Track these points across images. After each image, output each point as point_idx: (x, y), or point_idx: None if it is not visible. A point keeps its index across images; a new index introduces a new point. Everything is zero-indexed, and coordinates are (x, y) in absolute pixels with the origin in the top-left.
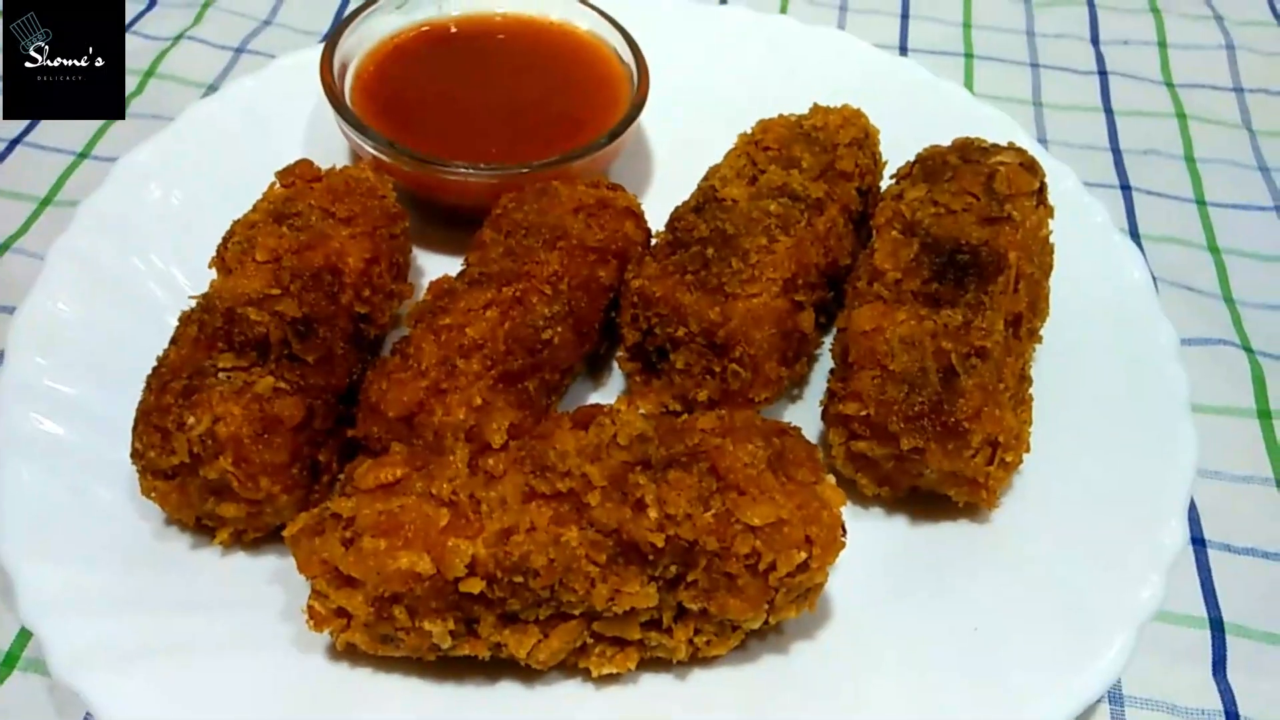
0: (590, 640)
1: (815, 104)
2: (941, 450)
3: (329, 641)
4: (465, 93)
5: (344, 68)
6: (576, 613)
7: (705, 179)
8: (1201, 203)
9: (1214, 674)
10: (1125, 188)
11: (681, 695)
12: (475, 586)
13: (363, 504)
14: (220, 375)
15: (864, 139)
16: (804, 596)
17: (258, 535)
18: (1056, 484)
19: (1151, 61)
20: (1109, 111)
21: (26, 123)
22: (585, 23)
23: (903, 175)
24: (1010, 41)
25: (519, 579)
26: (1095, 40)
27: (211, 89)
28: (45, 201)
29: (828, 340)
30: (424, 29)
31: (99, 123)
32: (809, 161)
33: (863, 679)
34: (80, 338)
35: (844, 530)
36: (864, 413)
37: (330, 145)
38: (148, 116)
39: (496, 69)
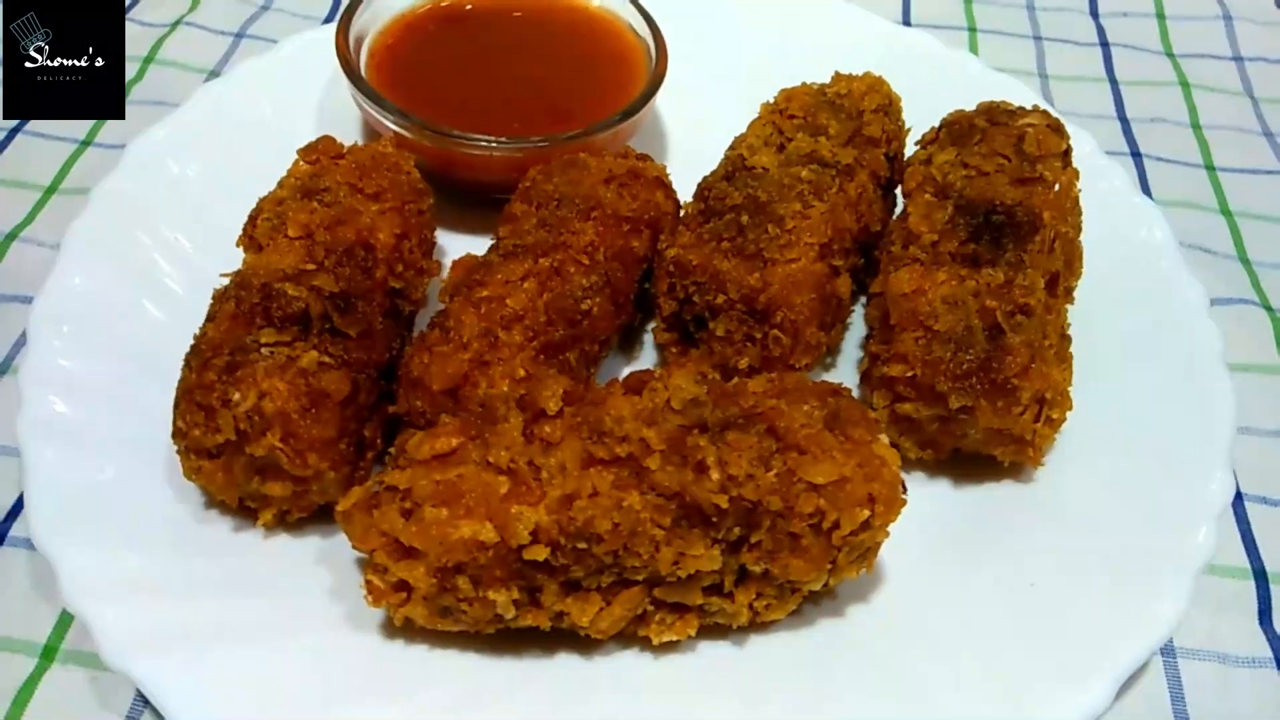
0: (650, 608)
1: (837, 72)
2: (991, 408)
3: (382, 620)
4: (482, 70)
5: (358, 45)
6: (639, 578)
7: (732, 148)
8: (1211, 168)
9: (1260, 623)
10: (1135, 154)
11: (740, 661)
12: (540, 554)
13: (419, 475)
14: (263, 350)
15: (888, 105)
16: (864, 557)
17: (302, 515)
18: (1099, 441)
19: (1151, 32)
20: (1113, 81)
21: None
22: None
23: (929, 141)
24: (1011, 15)
25: (582, 545)
26: (1095, 13)
27: (214, 74)
28: (50, 190)
29: (856, 308)
30: (438, 6)
31: None
32: (836, 128)
33: (921, 639)
34: (101, 321)
35: (904, 487)
36: (910, 374)
37: (342, 125)
38: (150, 103)
39: (512, 46)
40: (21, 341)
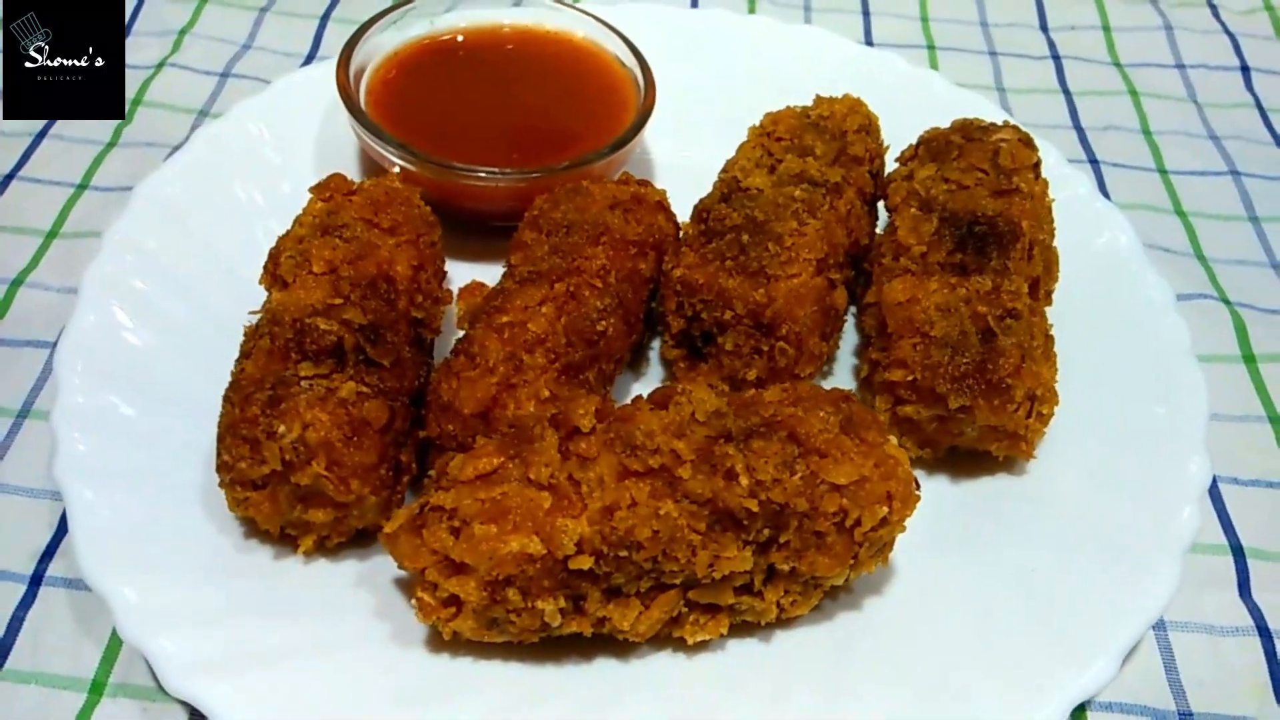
0: (685, 609)
1: (818, 95)
2: (988, 406)
3: (427, 635)
4: (477, 102)
5: (357, 80)
6: (676, 582)
7: (724, 171)
8: (1163, 171)
9: (1240, 595)
10: (1093, 161)
11: (769, 656)
12: (584, 563)
13: (464, 494)
14: (303, 384)
15: (869, 125)
16: (881, 551)
17: (341, 540)
18: (1084, 433)
19: (1099, 45)
20: (1066, 92)
21: (19, 155)
22: (582, 30)
23: (908, 157)
24: (967, 32)
25: (624, 553)
26: (1044, 28)
27: (203, 114)
28: (51, 234)
29: (848, 318)
30: (430, 41)
31: (94, 152)
32: (822, 149)
33: (934, 627)
34: (123, 362)
35: (917, 484)
36: (910, 378)
37: (341, 160)
38: (143, 144)
39: (504, 78)
40: (38, 385)
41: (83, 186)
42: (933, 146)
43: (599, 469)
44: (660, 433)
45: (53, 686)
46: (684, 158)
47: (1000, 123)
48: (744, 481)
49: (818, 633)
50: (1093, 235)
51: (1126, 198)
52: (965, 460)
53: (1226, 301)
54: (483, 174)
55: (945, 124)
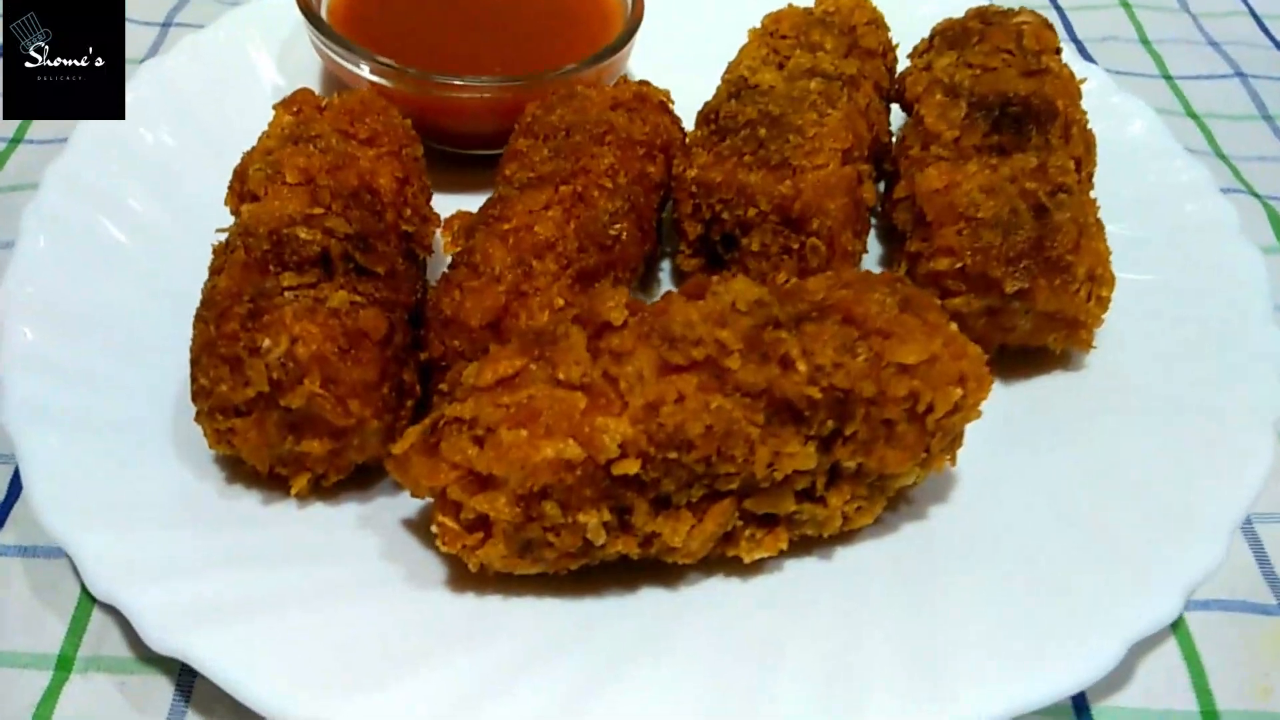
0: (739, 523)
1: None
2: (1049, 287)
3: (446, 574)
4: (451, 20)
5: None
6: (731, 488)
7: (729, 72)
8: (1168, 77)
9: None
10: (1087, 61)
11: (831, 575)
12: (631, 467)
13: (484, 402)
14: (287, 294)
15: (877, 19)
16: (952, 444)
17: (339, 478)
18: (1143, 318)
19: None
20: (1058, 8)
21: None
22: None
23: (922, 50)
24: None
25: (673, 454)
26: None
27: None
28: None
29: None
30: None
31: None
32: (832, 43)
33: (1013, 525)
34: (71, 305)
35: (1008, 371)
36: (958, 265)
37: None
38: None
39: None
40: None
41: (16, 140)
42: (949, 35)
43: (637, 363)
44: (701, 323)
45: (13, 666)
46: (671, 69)
47: (1016, 8)
48: (802, 368)
49: (884, 545)
50: (1121, 123)
51: None
52: (1015, 361)
53: (1256, 195)
54: (466, 83)
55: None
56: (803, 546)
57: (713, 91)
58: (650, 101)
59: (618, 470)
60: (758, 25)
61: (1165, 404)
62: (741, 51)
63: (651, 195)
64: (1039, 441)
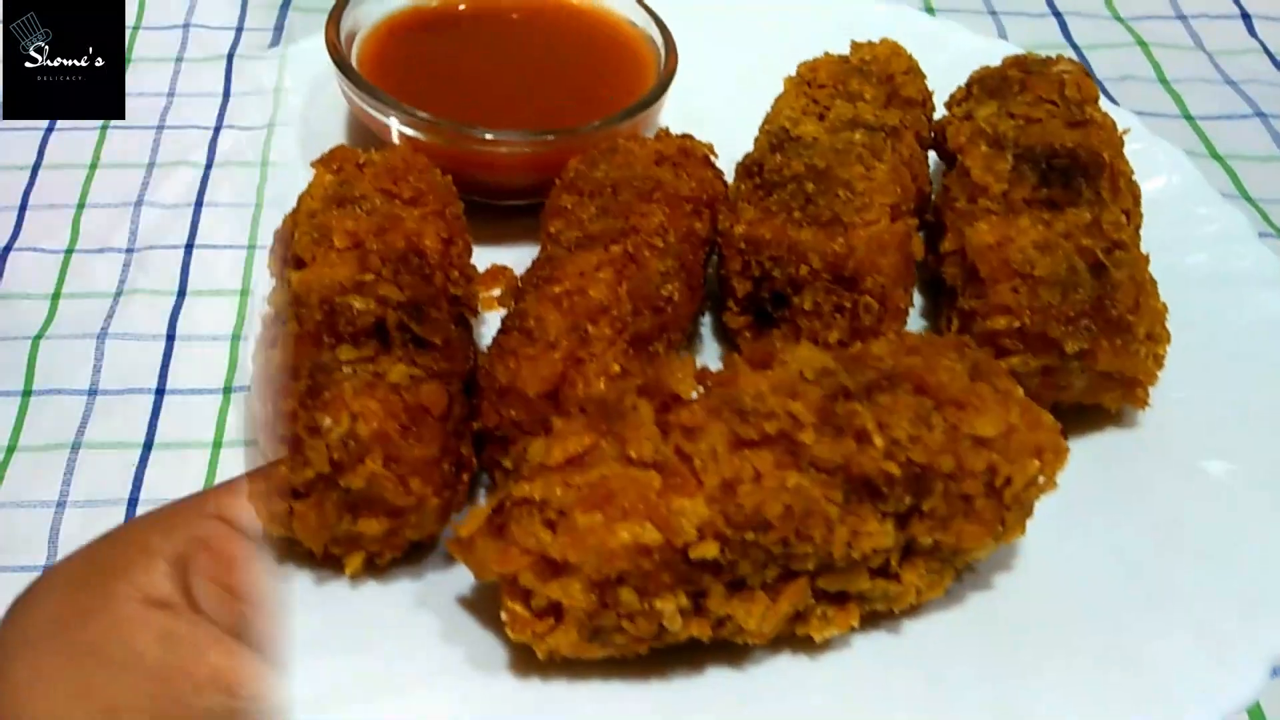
0: (811, 601)
1: (853, 41)
2: (1111, 348)
3: (509, 657)
4: (483, 73)
5: (348, 46)
6: (809, 567)
7: (767, 123)
8: (1189, 118)
9: None
10: (1112, 103)
11: (901, 651)
12: (710, 551)
13: (554, 482)
14: (345, 369)
15: (914, 67)
16: (1024, 516)
17: (394, 556)
18: (1194, 371)
19: None
20: (1075, 47)
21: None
22: None
23: (959, 99)
24: None
25: (751, 535)
26: None
27: None
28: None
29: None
30: (424, 9)
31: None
32: (871, 93)
33: (1075, 602)
34: None
35: (1064, 434)
36: (1016, 325)
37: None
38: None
39: (509, 47)
40: None
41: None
42: (988, 84)
43: (709, 439)
44: (771, 394)
45: None
46: (701, 121)
47: (1055, 56)
48: (878, 442)
49: (950, 617)
50: (1155, 171)
51: None
52: (1067, 418)
53: None
54: (502, 138)
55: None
56: (870, 620)
57: (745, 139)
58: (695, 156)
59: (695, 554)
60: (791, 73)
61: (1233, 463)
62: (779, 101)
63: (699, 252)
64: (1101, 502)
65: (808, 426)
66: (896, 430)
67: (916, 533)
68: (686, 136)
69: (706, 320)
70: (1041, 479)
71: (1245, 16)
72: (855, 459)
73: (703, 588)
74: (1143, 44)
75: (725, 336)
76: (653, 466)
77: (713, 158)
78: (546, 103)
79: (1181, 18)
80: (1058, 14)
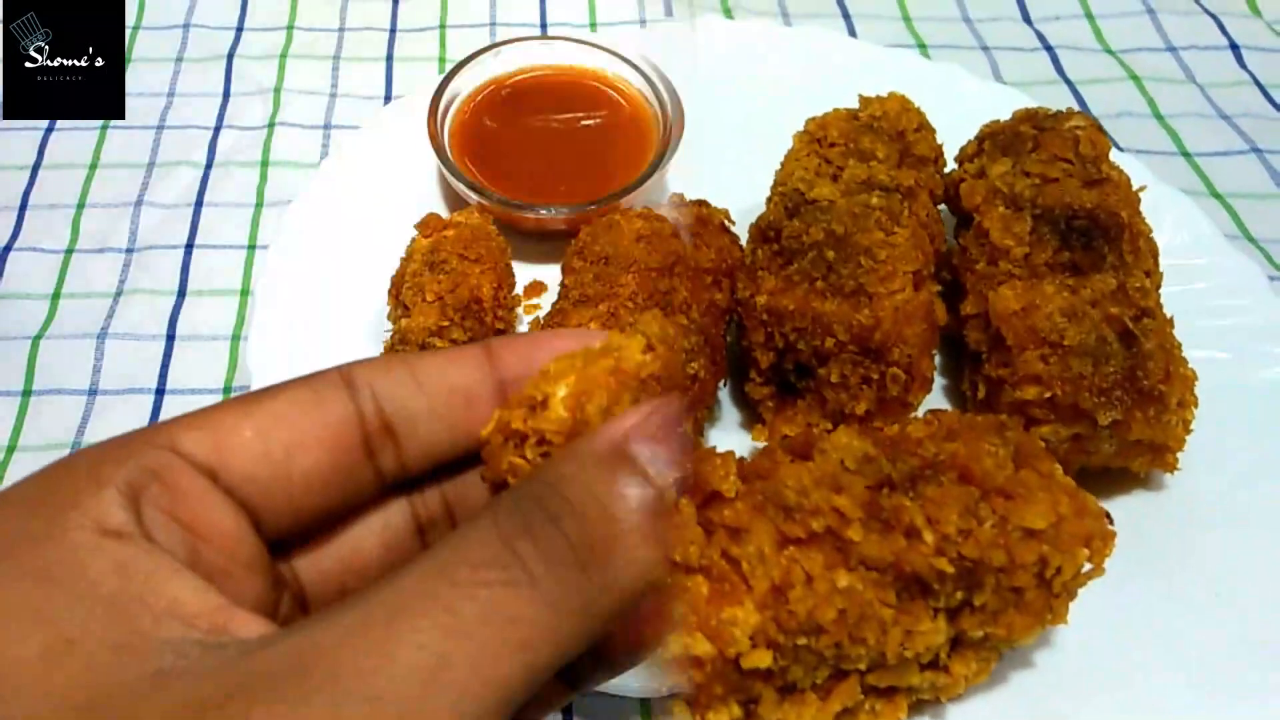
0: (860, 697)
1: (862, 95)
2: (1144, 418)
3: None
4: (529, 143)
5: (440, 125)
6: (861, 666)
7: (780, 184)
8: (1186, 154)
9: None
10: (1117, 150)
11: None
12: (763, 660)
13: None
14: None
15: (926, 123)
16: (1071, 600)
17: None
18: (1215, 430)
19: (1086, 33)
20: (1069, 83)
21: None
22: (613, 67)
23: (971, 155)
24: (953, 29)
25: (803, 640)
26: (1028, 20)
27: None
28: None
29: None
30: (486, 90)
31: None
32: (883, 151)
33: (1118, 676)
34: None
35: (1110, 518)
36: (1047, 395)
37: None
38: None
39: (550, 118)
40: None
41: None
42: (1000, 140)
43: (756, 540)
44: (815, 488)
45: None
46: (703, 176)
47: (1065, 110)
48: (929, 538)
49: (995, 699)
50: (1163, 221)
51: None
52: (1093, 482)
53: None
54: (542, 211)
55: (978, 120)
56: (915, 707)
57: (751, 194)
58: (712, 224)
59: (747, 663)
60: (799, 128)
61: (1263, 523)
62: (789, 159)
63: (720, 324)
64: (1137, 569)
65: (854, 522)
66: (946, 525)
67: (967, 626)
68: (702, 203)
69: (724, 388)
70: (1089, 566)
71: (1234, 47)
72: (905, 556)
73: (755, 695)
74: (1135, 78)
75: (744, 402)
76: (699, 571)
77: (730, 223)
78: (575, 169)
79: (1172, 49)
80: (1049, 48)
